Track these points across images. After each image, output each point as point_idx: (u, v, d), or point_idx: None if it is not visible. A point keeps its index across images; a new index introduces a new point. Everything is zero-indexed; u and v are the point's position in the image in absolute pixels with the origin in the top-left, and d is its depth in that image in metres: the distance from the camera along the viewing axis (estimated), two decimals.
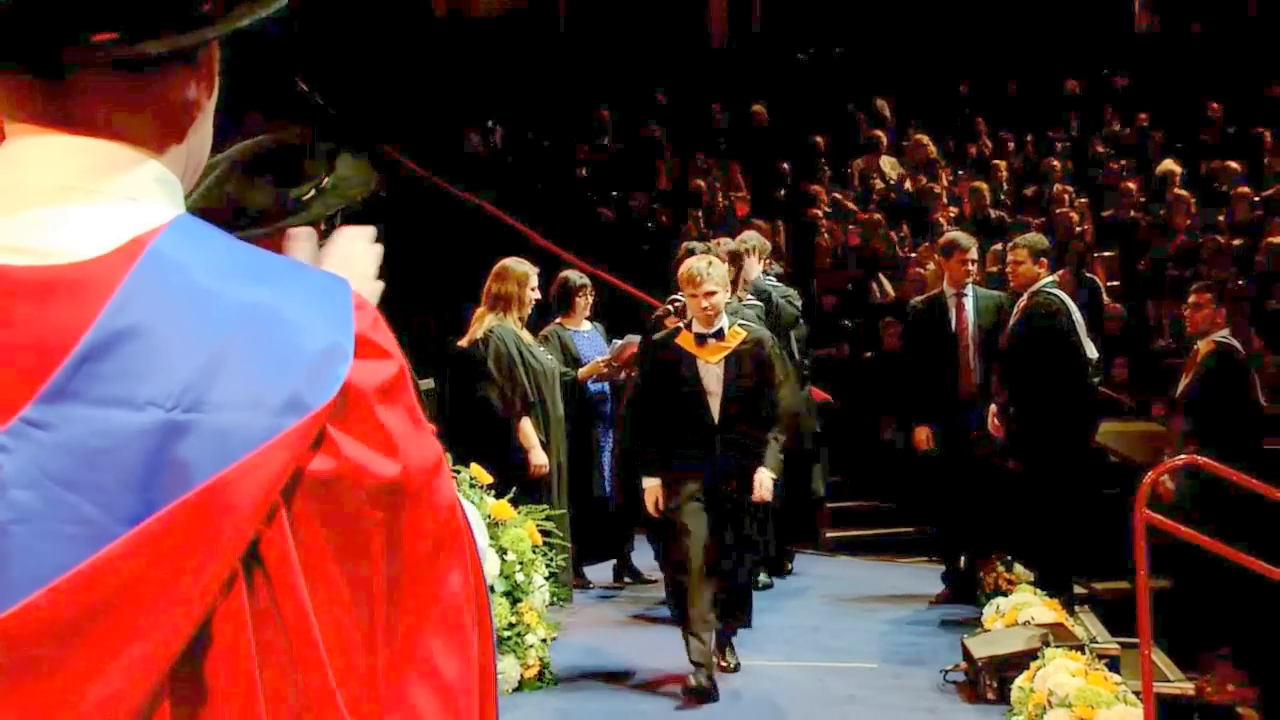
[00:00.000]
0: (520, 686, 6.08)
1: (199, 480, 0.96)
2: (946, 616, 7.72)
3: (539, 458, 7.09)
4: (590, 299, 8.10)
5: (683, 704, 5.87)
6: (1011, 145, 13.97)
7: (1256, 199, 11.38)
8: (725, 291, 6.18)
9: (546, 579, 6.42)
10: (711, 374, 6.09)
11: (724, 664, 6.35)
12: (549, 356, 7.37)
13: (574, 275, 8.15)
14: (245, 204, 2.19)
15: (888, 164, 13.74)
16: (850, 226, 12.63)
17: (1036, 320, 7.45)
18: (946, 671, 6.38)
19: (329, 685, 0.99)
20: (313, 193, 2.31)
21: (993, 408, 7.73)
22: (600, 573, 8.40)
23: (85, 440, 0.96)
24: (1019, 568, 7.56)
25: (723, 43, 15.42)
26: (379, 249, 1.35)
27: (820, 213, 12.86)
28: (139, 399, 0.97)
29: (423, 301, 10.38)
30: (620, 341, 7.75)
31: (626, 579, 8.40)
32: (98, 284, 1.00)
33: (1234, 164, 11.93)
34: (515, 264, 7.28)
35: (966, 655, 6.31)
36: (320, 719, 0.99)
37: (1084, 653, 5.79)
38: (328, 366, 1.01)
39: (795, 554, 8.91)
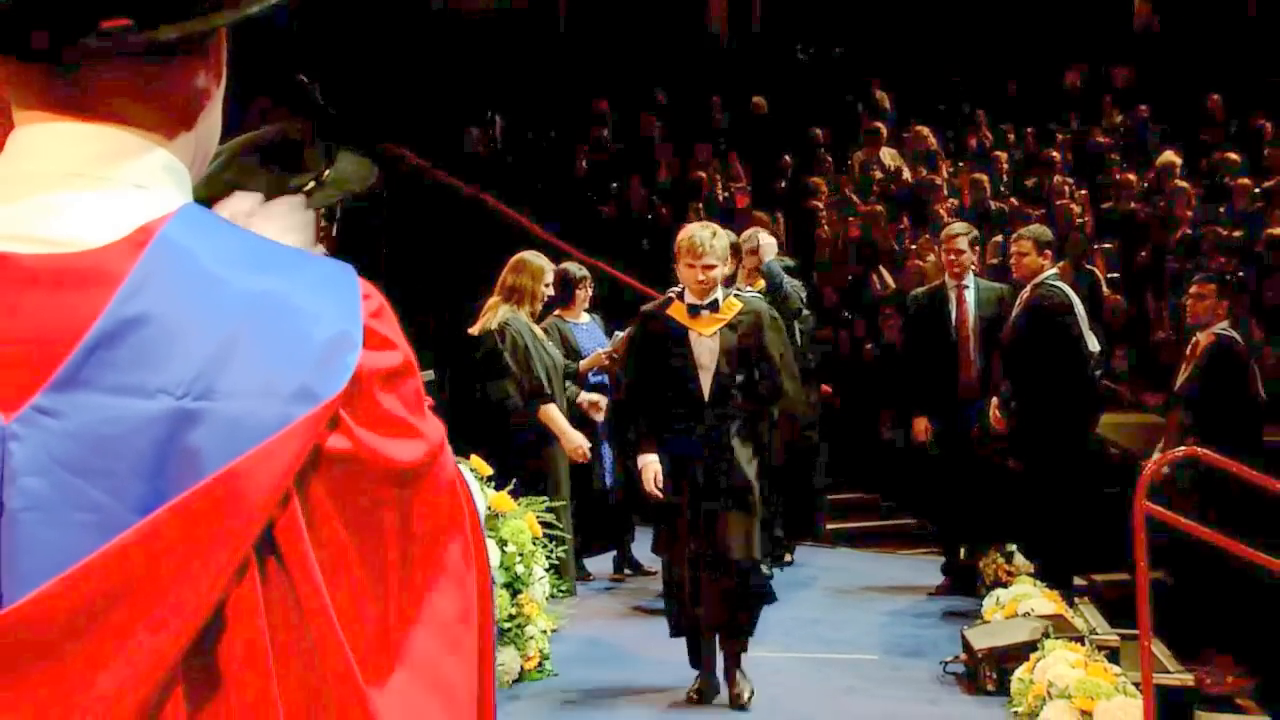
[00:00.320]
0: (521, 678, 6.10)
1: (210, 468, 0.96)
2: (946, 608, 7.74)
3: (576, 439, 7.07)
4: (590, 291, 8.13)
5: (683, 696, 5.88)
6: (1012, 137, 13.97)
7: (1257, 190, 11.38)
8: (725, 267, 5.86)
9: (547, 570, 6.43)
10: (704, 347, 5.71)
11: (735, 691, 5.81)
12: (557, 350, 7.40)
13: (574, 267, 8.17)
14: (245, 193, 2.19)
15: (888, 155, 13.73)
16: (850, 218, 12.63)
17: (1039, 313, 7.44)
18: (946, 663, 6.39)
19: (350, 669, 0.99)
20: (312, 183, 2.32)
21: (994, 400, 7.73)
22: (601, 564, 8.41)
23: (96, 428, 0.96)
24: (1019, 559, 7.58)
25: (723, 43, 15.41)
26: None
27: (820, 204, 12.85)
28: (150, 387, 0.97)
29: (424, 301, 10.38)
30: (622, 334, 7.76)
31: (627, 570, 8.41)
32: (107, 272, 1.00)
33: (1234, 155, 11.92)
34: (533, 258, 7.31)
35: (966, 647, 6.32)
36: (341, 703, 0.99)
37: (1084, 644, 5.80)
38: (337, 355, 1.01)
39: (795, 546, 8.92)
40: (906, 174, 13.39)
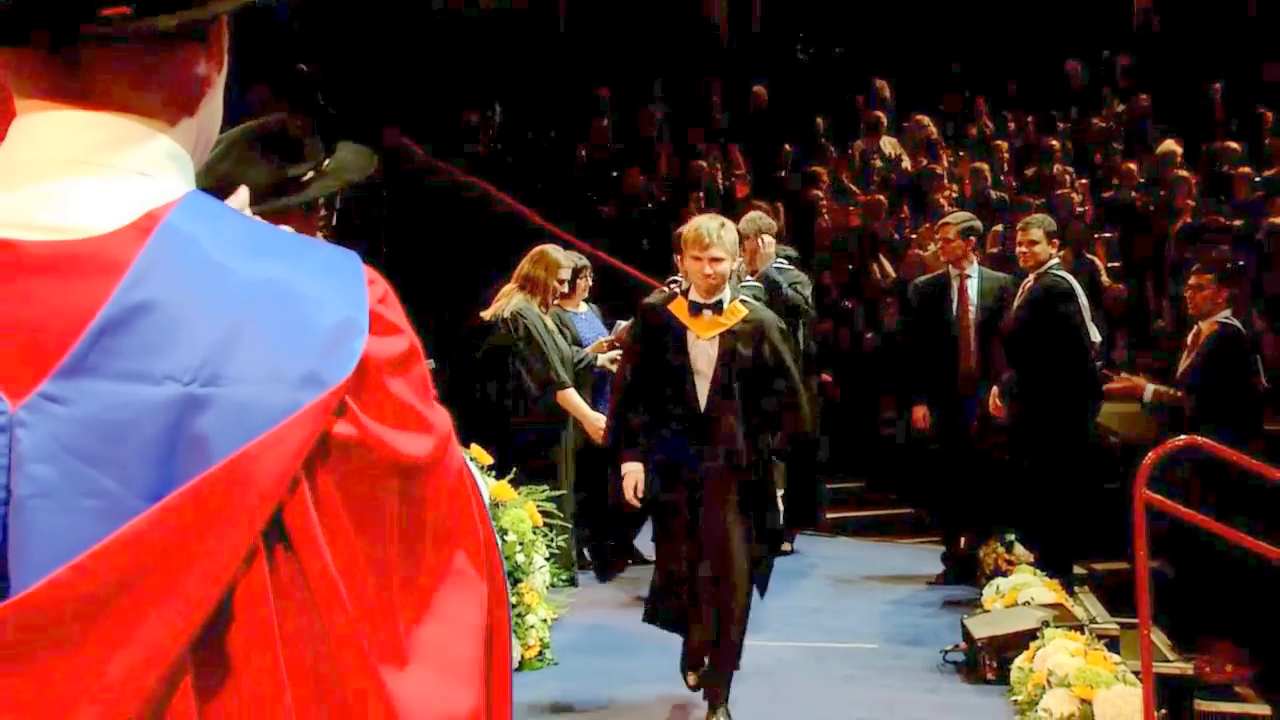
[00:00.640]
0: (521, 666, 6.10)
1: (218, 454, 0.96)
2: (946, 597, 7.75)
3: (597, 420, 7.08)
4: (590, 281, 8.17)
5: (684, 684, 5.88)
6: (1012, 126, 13.95)
7: (1257, 179, 11.37)
8: (733, 261, 5.30)
9: (547, 559, 6.44)
10: (702, 351, 5.22)
11: None
12: (564, 342, 7.44)
13: (575, 256, 8.18)
14: (242, 182, 2.20)
15: (888, 144, 13.72)
16: (850, 208, 12.62)
17: (1045, 301, 7.44)
18: (946, 652, 6.40)
19: (365, 652, 1.00)
20: (311, 173, 2.32)
21: (994, 389, 7.73)
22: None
23: (103, 415, 0.96)
24: (1019, 548, 7.58)
25: (723, 43, 15.40)
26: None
27: (820, 194, 12.84)
28: (156, 373, 0.97)
29: (425, 300, 10.39)
30: (624, 323, 7.77)
31: (629, 560, 8.42)
32: (112, 259, 1.00)
33: (1234, 144, 11.91)
34: (552, 251, 7.45)
35: (966, 636, 6.33)
36: (355, 686, 0.99)
37: (1083, 633, 5.81)
38: (344, 342, 1.01)
39: (796, 535, 8.92)
40: (907, 163, 13.37)
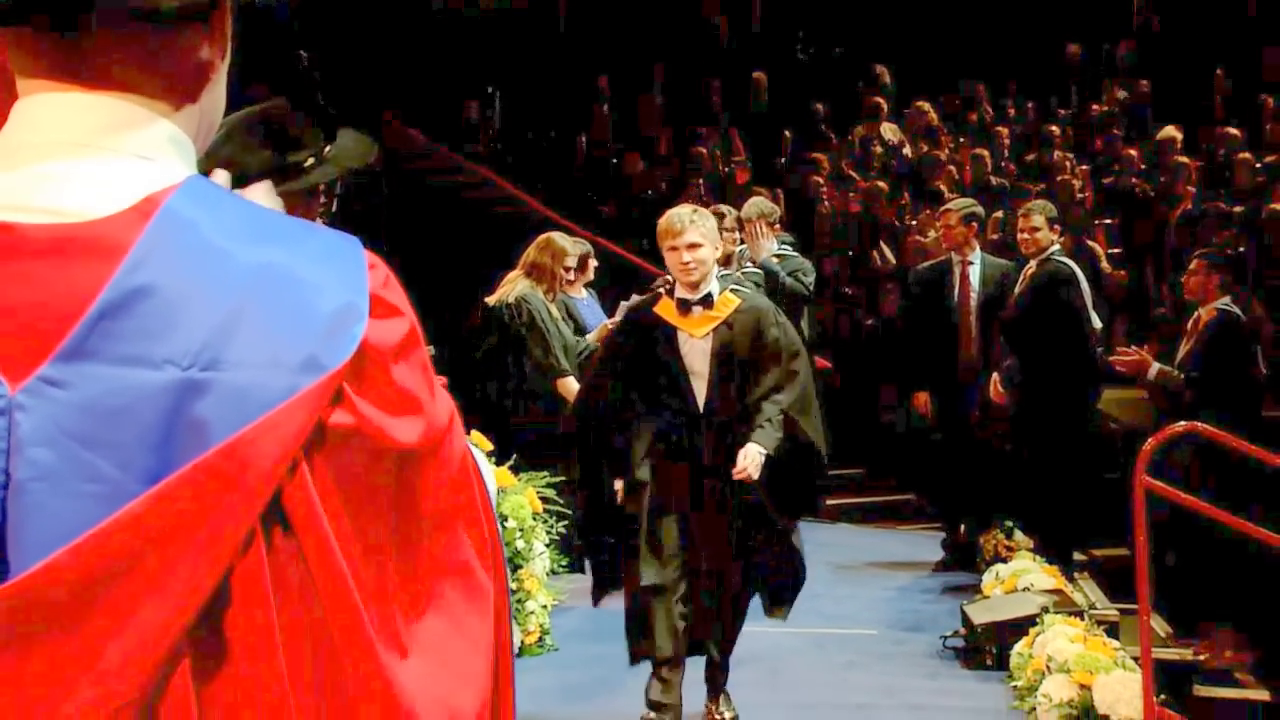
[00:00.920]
0: (521, 652, 6.12)
1: (217, 439, 0.96)
2: (947, 583, 7.76)
3: None
4: (593, 264, 8.17)
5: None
6: (1012, 112, 13.93)
7: (1258, 165, 11.35)
8: (714, 247, 4.95)
9: (547, 546, 6.45)
10: (696, 350, 4.93)
11: (718, 716, 5.29)
12: (568, 330, 7.45)
13: (581, 244, 8.19)
14: (242, 168, 2.20)
15: (889, 130, 13.70)
16: (851, 194, 12.61)
17: (1046, 287, 7.43)
18: (946, 638, 6.41)
19: (368, 637, 0.99)
20: (311, 160, 2.32)
21: (994, 375, 7.72)
22: None
23: (103, 399, 0.96)
24: (1019, 535, 7.59)
25: (723, 43, 15.37)
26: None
27: (821, 180, 12.82)
28: (156, 357, 0.97)
29: (425, 300, 10.37)
30: (628, 304, 7.78)
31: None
32: (112, 242, 0.99)
33: (1235, 130, 11.89)
34: (559, 238, 7.52)
35: (966, 622, 6.34)
36: (357, 672, 0.99)
37: (1083, 619, 5.82)
38: (344, 326, 1.01)
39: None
40: (907, 149, 13.36)
